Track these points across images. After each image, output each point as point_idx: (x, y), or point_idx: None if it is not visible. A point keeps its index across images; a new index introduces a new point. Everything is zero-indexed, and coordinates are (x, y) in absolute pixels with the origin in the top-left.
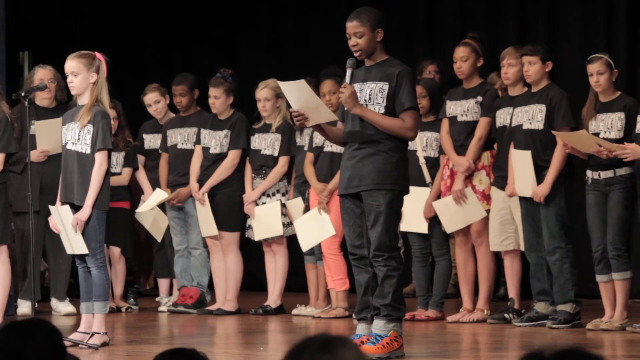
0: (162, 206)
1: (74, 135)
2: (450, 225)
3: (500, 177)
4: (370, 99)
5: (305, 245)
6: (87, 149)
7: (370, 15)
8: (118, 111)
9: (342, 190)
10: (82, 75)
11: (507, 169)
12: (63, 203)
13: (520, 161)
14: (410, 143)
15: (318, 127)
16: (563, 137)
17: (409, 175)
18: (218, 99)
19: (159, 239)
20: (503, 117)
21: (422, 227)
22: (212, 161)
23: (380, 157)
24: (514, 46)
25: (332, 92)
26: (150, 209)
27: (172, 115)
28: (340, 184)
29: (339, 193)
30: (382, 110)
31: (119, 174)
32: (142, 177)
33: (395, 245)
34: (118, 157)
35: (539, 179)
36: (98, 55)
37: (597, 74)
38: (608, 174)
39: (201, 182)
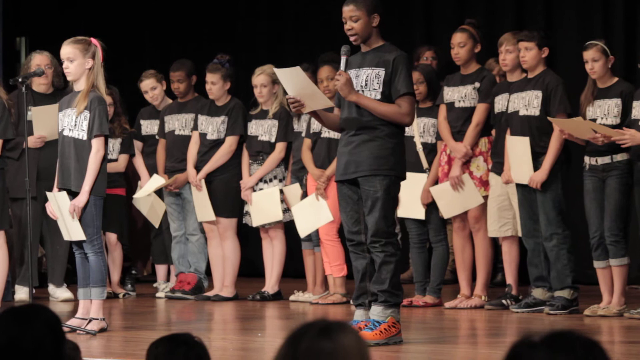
0: (159, 192)
1: (71, 122)
2: (447, 210)
3: (498, 163)
4: (366, 85)
5: (303, 231)
6: (83, 135)
7: (366, 0)
8: (114, 97)
9: (339, 176)
10: (78, 61)
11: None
12: (60, 189)
13: (517, 148)
14: (407, 129)
15: (314, 114)
16: (559, 123)
17: (405, 161)
18: (215, 85)
19: (156, 225)
20: (501, 103)
21: (420, 213)
22: (209, 147)
23: (377, 143)
24: (511, 32)
25: (330, 78)
26: (147, 195)
27: (170, 101)
28: (337, 170)
29: (336, 179)
30: (379, 97)
31: (115, 160)
32: (139, 163)
33: (393, 231)
34: (114, 144)
35: (536, 165)
36: (94, 40)
37: (592, 60)
38: (605, 160)
39: (198, 168)
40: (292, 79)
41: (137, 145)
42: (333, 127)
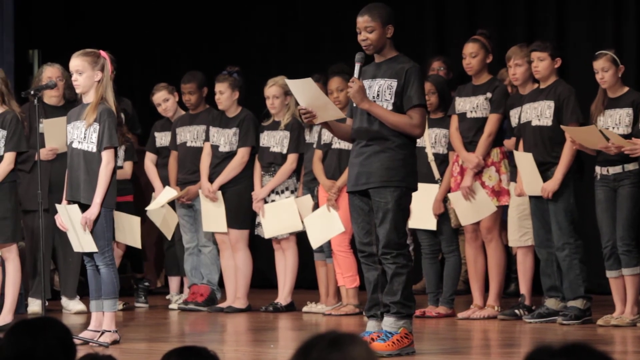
0: (172, 204)
1: (80, 134)
2: (464, 217)
3: None
4: (378, 95)
5: (315, 242)
6: (93, 148)
7: (381, 10)
8: (116, 107)
9: (350, 187)
10: (87, 73)
11: None
12: (69, 202)
13: (524, 163)
14: (419, 140)
15: (326, 125)
16: (571, 132)
17: (417, 172)
18: (223, 94)
19: (169, 237)
20: (517, 115)
21: (431, 224)
22: (221, 159)
23: (388, 154)
24: (518, 45)
25: (340, 89)
26: (160, 207)
27: (182, 113)
28: (349, 181)
29: (347, 190)
30: (390, 107)
31: (121, 167)
32: (153, 175)
33: (404, 242)
34: (119, 152)
35: (548, 175)
36: (102, 53)
37: (602, 70)
38: (617, 169)
39: (210, 179)
40: (304, 90)
41: (152, 157)
42: (344, 138)
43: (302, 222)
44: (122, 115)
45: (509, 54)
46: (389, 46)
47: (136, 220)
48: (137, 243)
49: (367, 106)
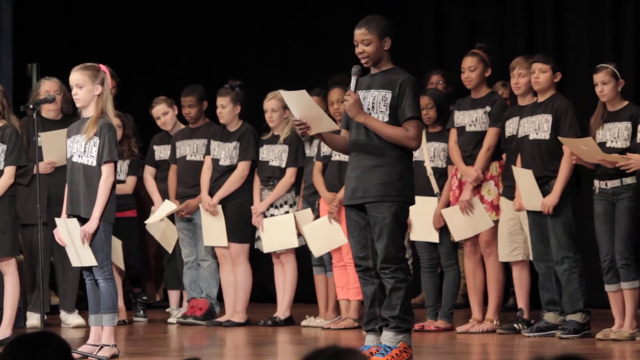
0: (171, 218)
1: (80, 148)
2: (458, 233)
3: (509, 187)
4: (373, 107)
5: (316, 251)
6: (93, 162)
7: (379, 23)
8: (123, 120)
9: (347, 201)
10: (87, 87)
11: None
12: (69, 216)
13: (523, 179)
14: (417, 153)
15: (320, 136)
16: (568, 143)
17: (414, 186)
18: (225, 108)
19: (170, 250)
20: (512, 127)
21: (433, 237)
22: (221, 173)
23: (385, 168)
24: (523, 56)
25: (340, 100)
26: (159, 221)
27: (182, 126)
28: (345, 195)
29: (344, 204)
30: (386, 119)
31: (123, 182)
32: (152, 188)
33: (402, 256)
34: (122, 165)
35: (546, 189)
36: (102, 67)
37: (602, 83)
38: (615, 183)
39: (211, 193)
40: (298, 102)
41: (151, 171)
42: (340, 149)
43: (300, 237)
44: (130, 128)
45: (513, 64)
46: (386, 58)
47: (118, 243)
48: (120, 264)
49: (362, 119)
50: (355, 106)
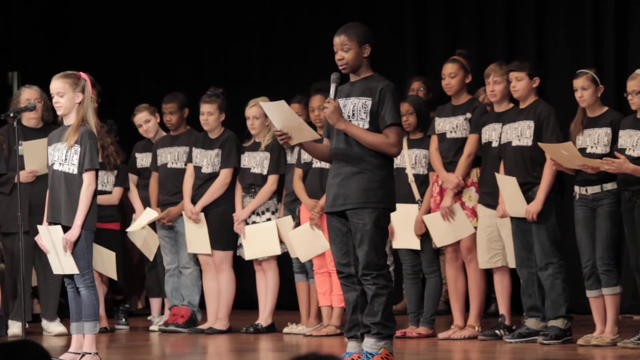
0: (152, 225)
1: (61, 156)
2: (439, 239)
3: (486, 194)
4: (353, 114)
5: (303, 257)
6: (74, 169)
7: (358, 30)
8: (107, 130)
9: (328, 208)
10: (68, 95)
11: (492, 184)
12: (50, 223)
13: (507, 186)
14: (398, 160)
15: (301, 145)
16: (548, 148)
17: (395, 193)
18: (212, 115)
19: (151, 258)
20: (488, 133)
21: (415, 244)
22: (204, 180)
23: (366, 175)
24: (497, 63)
25: (322, 107)
26: (141, 229)
27: (164, 134)
28: (326, 202)
29: (325, 211)
30: (367, 126)
31: (110, 192)
32: (134, 196)
33: (384, 262)
34: (109, 176)
35: (530, 195)
36: (83, 75)
37: (582, 89)
38: (595, 189)
39: (193, 201)
40: (278, 112)
41: (133, 178)
42: (322, 158)
43: (282, 245)
44: (110, 138)
45: (487, 71)
46: (365, 65)
47: (112, 256)
48: (113, 275)
49: (343, 126)
50: (335, 113)
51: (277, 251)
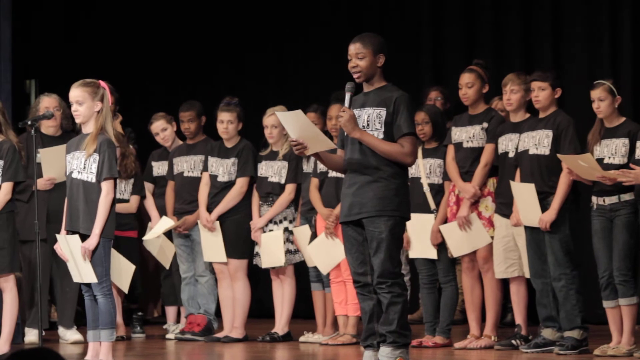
0: (168, 234)
1: (80, 164)
2: (456, 249)
3: (503, 204)
4: (368, 125)
5: (324, 268)
6: (92, 178)
7: (373, 39)
8: (120, 139)
9: (343, 217)
10: (87, 103)
11: (509, 195)
12: (68, 232)
13: (523, 194)
14: (413, 170)
15: (317, 155)
16: (567, 160)
17: (409, 201)
18: (232, 124)
19: (167, 266)
20: (505, 143)
21: (432, 253)
22: (220, 189)
23: (381, 184)
24: (515, 72)
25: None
26: (156, 237)
27: (180, 142)
28: (342, 212)
29: (340, 221)
30: (382, 136)
31: (127, 201)
32: (150, 204)
33: (399, 271)
34: (126, 185)
35: (545, 204)
36: (102, 83)
37: (599, 100)
38: (613, 199)
39: (209, 209)
40: (294, 122)
41: (149, 187)
42: (336, 168)
43: (294, 252)
44: (127, 148)
45: (505, 80)
46: (378, 75)
47: (131, 268)
48: (124, 287)
49: (358, 135)
50: (350, 122)
51: (281, 262)
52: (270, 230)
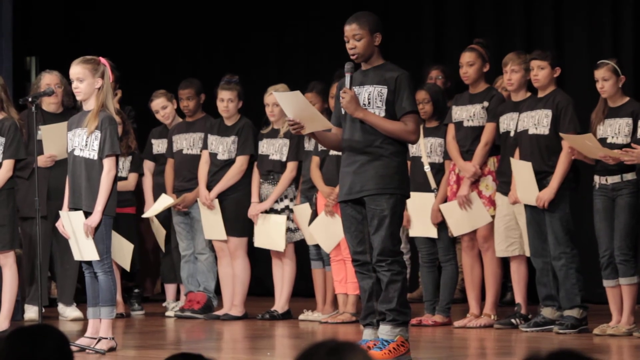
0: (168, 211)
1: (81, 142)
2: (456, 228)
3: (504, 183)
4: (369, 102)
5: (327, 247)
6: (94, 155)
7: (369, 19)
8: (122, 116)
9: (343, 196)
10: (88, 80)
11: (510, 174)
12: (71, 209)
13: (521, 171)
14: (414, 149)
15: (313, 135)
16: (570, 139)
17: (409, 180)
18: (232, 102)
19: (162, 248)
20: (506, 122)
21: (432, 232)
22: (219, 167)
23: (382, 162)
24: (516, 52)
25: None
26: (153, 215)
27: (180, 120)
28: (341, 191)
29: (339, 200)
30: (383, 114)
31: (125, 178)
32: (146, 184)
33: (398, 249)
34: (124, 162)
35: (544, 184)
36: (103, 60)
37: (603, 79)
38: (615, 179)
39: (209, 187)
40: (292, 102)
41: (149, 165)
42: (332, 147)
43: (294, 230)
44: (129, 125)
45: (505, 60)
46: (376, 54)
47: (130, 247)
48: (126, 265)
49: (361, 115)
50: (352, 103)
51: (281, 248)
52: (272, 209)
